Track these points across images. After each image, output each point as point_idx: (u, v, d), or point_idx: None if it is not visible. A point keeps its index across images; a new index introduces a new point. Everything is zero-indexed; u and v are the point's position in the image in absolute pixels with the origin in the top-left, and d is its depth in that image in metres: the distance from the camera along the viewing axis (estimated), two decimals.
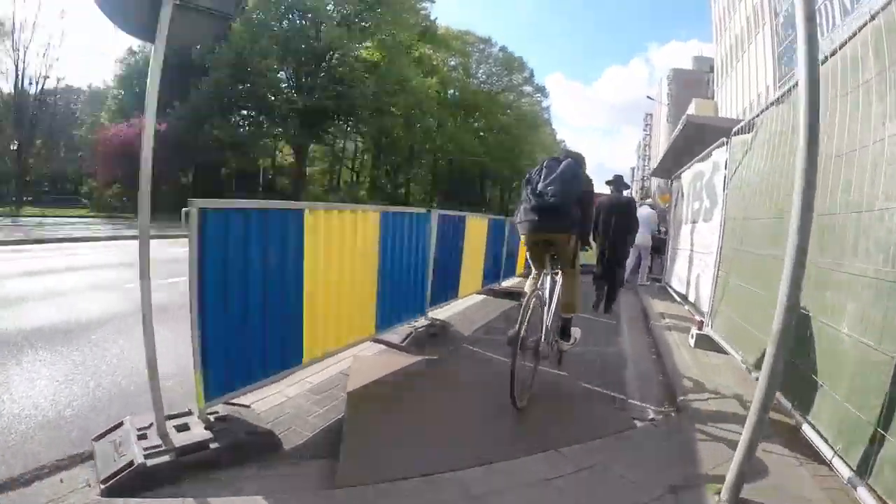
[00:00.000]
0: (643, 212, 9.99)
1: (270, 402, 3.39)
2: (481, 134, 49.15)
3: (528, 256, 4.01)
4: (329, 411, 3.32)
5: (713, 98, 39.88)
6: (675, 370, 4.57)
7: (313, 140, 41.20)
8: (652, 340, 5.98)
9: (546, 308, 3.85)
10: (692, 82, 51.48)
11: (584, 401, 3.89)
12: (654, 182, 36.22)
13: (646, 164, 71.08)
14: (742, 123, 5.07)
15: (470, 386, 3.97)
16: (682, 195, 8.49)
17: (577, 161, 3.80)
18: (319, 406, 3.40)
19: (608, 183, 7.56)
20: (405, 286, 4.66)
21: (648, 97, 49.12)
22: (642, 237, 9.57)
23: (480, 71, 52.15)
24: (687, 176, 8.13)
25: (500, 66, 52.00)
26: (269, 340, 3.11)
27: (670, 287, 9.19)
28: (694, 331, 5.52)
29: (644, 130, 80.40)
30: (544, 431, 3.20)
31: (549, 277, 3.90)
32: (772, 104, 4.29)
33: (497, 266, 8.05)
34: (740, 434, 3.25)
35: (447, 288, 5.80)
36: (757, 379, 4.04)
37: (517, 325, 3.36)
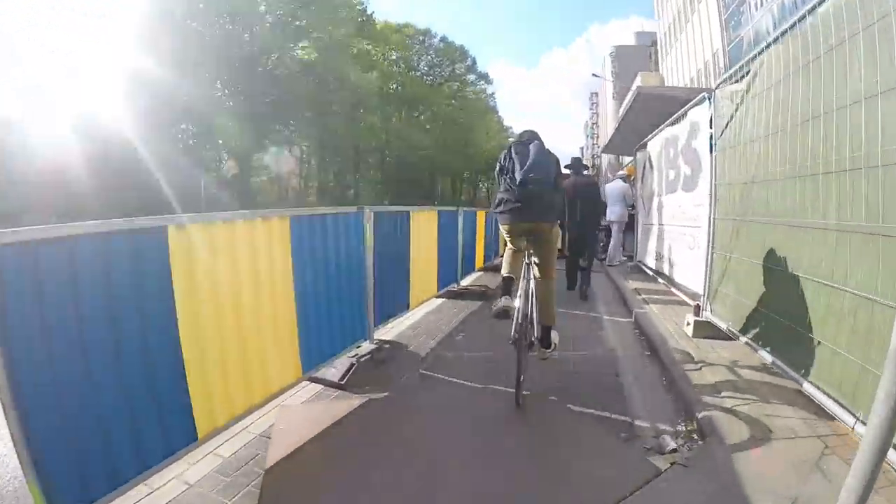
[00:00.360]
0: (616, 185, 9.44)
1: (162, 496, 2.34)
2: (427, 127, 48.35)
3: (507, 241, 3.75)
4: (242, 501, 2.33)
5: (658, 71, 39.87)
6: (680, 372, 3.74)
7: (256, 150, 39.39)
8: (639, 331, 5.20)
9: (531, 299, 3.51)
10: (636, 58, 51.29)
11: (581, 433, 3.01)
12: (605, 159, 36.02)
13: (594, 142, 71.41)
14: (731, 71, 4.26)
15: (430, 431, 3.01)
16: (651, 166, 7.74)
17: (541, 140, 3.68)
18: (229, 494, 2.38)
19: (567, 167, 6.95)
20: (338, 307, 3.65)
21: (594, 75, 48.83)
22: (618, 213, 9.07)
23: (422, 63, 51.19)
24: (655, 144, 7.38)
25: (442, 57, 51.16)
26: (138, 420, 2.13)
27: (644, 265, 8.45)
28: (690, 317, 4.73)
29: (591, 109, 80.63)
30: (542, 499, 2.29)
31: (531, 267, 3.62)
32: (772, 43, 3.47)
33: (453, 264, 7.03)
34: (797, 463, 2.44)
35: (394, 300, 4.80)
36: (765, 356, 3.27)
37: (516, 310, 3.25)
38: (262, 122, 37.23)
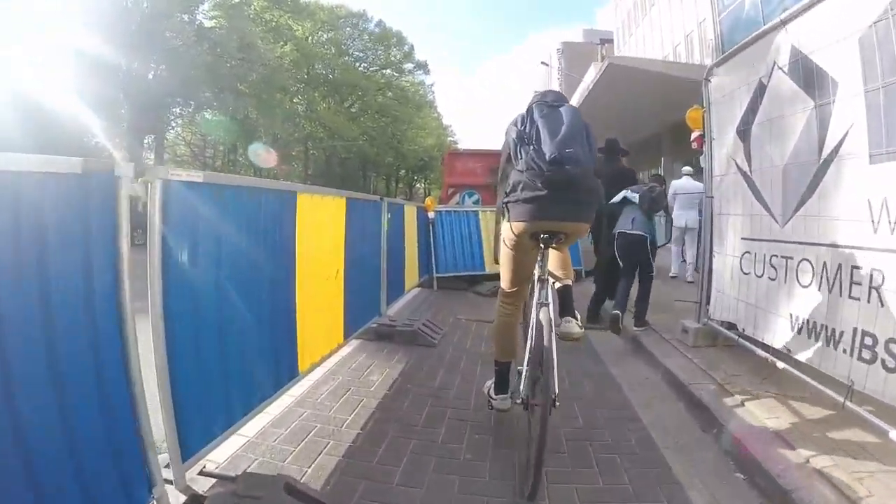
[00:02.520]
0: (689, 183, 7.59)
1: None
2: (360, 119, 42.88)
3: (511, 263, 2.61)
4: None
5: None
6: None
7: (151, 136, 31.97)
8: None
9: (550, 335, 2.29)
10: (584, 55, 47.81)
11: None
12: None
13: None
14: None
15: None
16: (812, 82, 2.83)
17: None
18: None
19: (599, 151, 4.66)
20: None
21: (543, 63, 45.04)
22: (694, 218, 7.10)
23: (354, 48, 45.33)
24: None
25: (377, 42, 45.51)
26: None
27: (748, 340, 3.52)
28: None
29: None
30: None
31: (546, 290, 2.40)
32: None
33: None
34: None
35: None
36: None
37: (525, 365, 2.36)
38: (156, 103, 30.09)
